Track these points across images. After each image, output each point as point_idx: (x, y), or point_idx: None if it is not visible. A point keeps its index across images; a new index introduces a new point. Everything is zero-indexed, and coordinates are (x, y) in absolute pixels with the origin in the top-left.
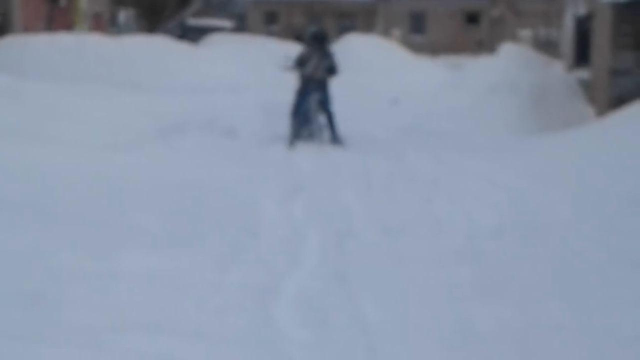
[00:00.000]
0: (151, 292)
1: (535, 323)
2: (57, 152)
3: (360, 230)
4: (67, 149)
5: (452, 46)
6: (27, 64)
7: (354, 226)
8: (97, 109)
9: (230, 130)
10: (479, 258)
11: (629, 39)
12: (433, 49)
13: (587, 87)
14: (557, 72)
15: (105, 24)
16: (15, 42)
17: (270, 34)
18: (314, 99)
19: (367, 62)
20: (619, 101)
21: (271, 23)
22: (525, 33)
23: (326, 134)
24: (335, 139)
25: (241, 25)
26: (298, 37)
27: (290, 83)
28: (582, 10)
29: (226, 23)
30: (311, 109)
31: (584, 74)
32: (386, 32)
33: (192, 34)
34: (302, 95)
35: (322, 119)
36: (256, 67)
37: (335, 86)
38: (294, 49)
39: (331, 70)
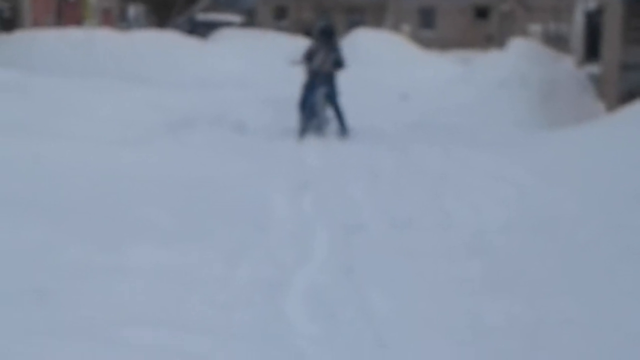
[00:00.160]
0: (160, 287)
1: (544, 318)
2: (66, 147)
3: (369, 224)
4: (76, 143)
5: (461, 41)
6: (36, 58)
7: (363, 220)
8: (106, 103)
9: (239, 125)
10: (488, 253)
11: (639, 33)
12: (442, 44)
13: (597, 82)
14: (567, 67)
15: (115, 19)
16: (24, 37)
17: (279, 29)
18: (320, 92)
19: (377, 57)
20: (629, 96)
21: (280, 18)
22: (535, 28)
23: (333, 126)
24: (343, 130)
25: (250, 21)
26: (307, 32)
27: (299, 78)
28: (592, 4)
29: (235, 18)
30: (318, 102)
31: (594, 68)
32: (396, 27)
33: (201, 29)
34: (309, 88)
35: (329, 112)
36: (265, 62)
37: (345, 81)
38: (303, 44)
39: (338, 64)
